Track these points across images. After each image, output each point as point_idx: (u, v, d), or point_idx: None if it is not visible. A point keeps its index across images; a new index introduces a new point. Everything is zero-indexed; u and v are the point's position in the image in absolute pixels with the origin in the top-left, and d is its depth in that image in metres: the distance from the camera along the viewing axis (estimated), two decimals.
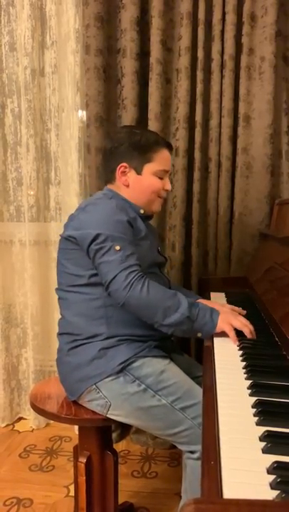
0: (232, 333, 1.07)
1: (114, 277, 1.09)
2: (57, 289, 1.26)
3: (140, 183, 1.27)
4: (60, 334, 1.24)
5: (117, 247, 1.11)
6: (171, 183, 1.82)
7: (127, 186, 1.27)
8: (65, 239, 1.19)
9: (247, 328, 1.08)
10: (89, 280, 1.16)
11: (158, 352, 1.17)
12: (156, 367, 1.13)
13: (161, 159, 1.28)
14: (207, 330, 1.09)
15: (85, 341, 1.16)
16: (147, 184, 1.27)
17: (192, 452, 1.07)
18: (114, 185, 1.29)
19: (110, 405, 1.12)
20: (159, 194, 1.30)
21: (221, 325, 1.09)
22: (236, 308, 1.24)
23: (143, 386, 1.10)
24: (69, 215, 1.24)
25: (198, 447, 1.04)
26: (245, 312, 1.24)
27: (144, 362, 1.13)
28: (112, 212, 1.16)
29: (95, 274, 1.15)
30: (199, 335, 1.11)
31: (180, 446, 1.10)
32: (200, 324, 1.09)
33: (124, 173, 1.27)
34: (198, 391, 1.09)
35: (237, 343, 1.05)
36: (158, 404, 1.09)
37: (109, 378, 1.12)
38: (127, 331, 1.16)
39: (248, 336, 1.07)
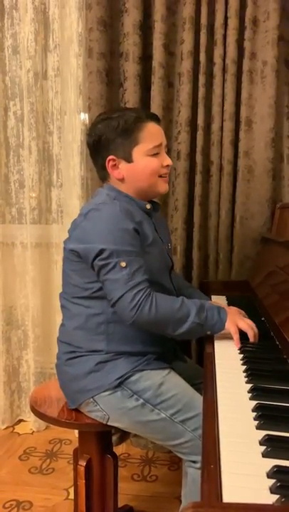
0: (236, 336, 1.05)
1: (120, 297, 1.04)
2: (61, 296, 1.22)
3: (134, 171, 1.15)
4: (60, 341, 1.22)
5: (123, 264, 1.04)
6: (173, 186, 1.83)
7: (123, 179, 1.16)
8: (69, 251, 1.13)
9: (252, 330, 1.07)
10: (93, 294, 1.12)
11: (157, 364, 1.13)
12: (155, 380, 1.09)
13: (149, 135, 1.14)
14: (217, 329, 1.09)
15: (84, 354, 1.14)
16: (142, 168, 1.14)
17: (194, 462, 1.05)
18: (111, 182, 1.19)
19: (109, 418, 1.11)
20: (160, 173, 1.17)
21: (228, 325, 1.08)
22: (241, 311, 1.21)
23: (141, 401, 1.07)
24: (72, 221, 1.17)
25: (200, 457, 1.02)
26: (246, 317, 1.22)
27: (142, 375, 1.10)
28: (117, 220, 1.07)
29: (101, 288, 1.10)
30: (209, 333, 1.10)
31: (181, 456, 1.09)
32: (210, 325, 1.08)
33: (114, 166, 1.16)
34: (198, 401, 1.05)
35: (239, 345, 1.04)
36: (157, 419, 1.06)
37: (107, 392, 1.09)
38: (127, 347, 1.13)
39: (251, 339, 1.07)
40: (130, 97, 1.76)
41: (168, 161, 1.18)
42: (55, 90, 1.96)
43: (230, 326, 1.07)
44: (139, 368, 1.10)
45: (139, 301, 1.03)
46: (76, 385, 1.13)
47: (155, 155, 1.16)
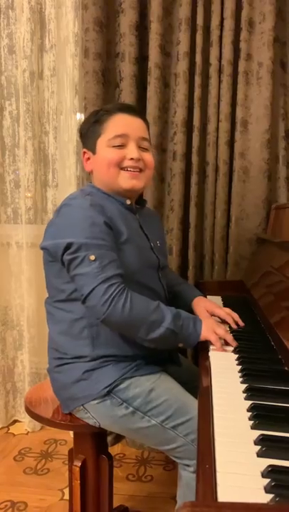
0: (218, 344, 1.02)
1: (91, 291, 0.98)
2: (45, 301, 1.18)
3: (97, 163, 1.12)
4: (48, 346, 1.18)
5: (92, 257, 0.98)
6: (169, 187, 1.83)
7: (91, 173, 1.16)
8: (42, 250, 1.09)
9: (229, 336, 1.04)
10: (71, 295, 1.07)
11: (147, 369, 1.09)
12: (145, 386, 1.05)
13: (113, 126, 1.10)
14: (191, 341, 1.05)
15: (70, 361, 1.10)
16: (101, 159, 1.11)
17: (187, 465, 1.04)
18: (92, 176, 1.19)
19: (100, 425, 1.09)
20: (121, 165, 1.10)
21: (206, 334, 1.04)
22: (234, 314, 1.19)
23: (131, 409, 1.04)
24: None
25: (193, 462, 1.01)
26: (242, 324, 1.18)
27: (132, 382, 1.06)
28: (86, 214, 1.02)
29: (76, 289, 1.04)
30: (181, 345, 1.06)
31: (175, 459, 1.07)
32: (184, 336, 1.04)
33: (88, 159, 1.16)
34: (191, 406, 1.03)
35: (223, 352, 1.02)
36: (148, 426, 1.03)
37: (96, 401, 1.06)
38: (114, 351, 1.07)
39: (231, 344, 1.03)
40: (126, 97, 1.76)
41: (132, 153, 1.10)
42: (51, 90, 1.96)
43: (209, 335, 1.04)
44: (128, 375, 1.06)
45: (111, 295, 0.97)
46: (66, 392, 1.11)
47: (119, 147, 1.10)
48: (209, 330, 1.05)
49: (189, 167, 1.81)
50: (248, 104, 1.80)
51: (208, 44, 1.78)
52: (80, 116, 1.88)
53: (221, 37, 1.75)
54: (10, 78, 1.98)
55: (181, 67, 1.75)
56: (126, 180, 1.11)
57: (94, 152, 1.14)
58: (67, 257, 1.01)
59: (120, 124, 1.11)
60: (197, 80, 1.76)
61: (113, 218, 1.07)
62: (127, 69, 1.76)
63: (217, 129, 1.79)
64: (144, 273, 1.13)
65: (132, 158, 1.10)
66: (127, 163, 1.10)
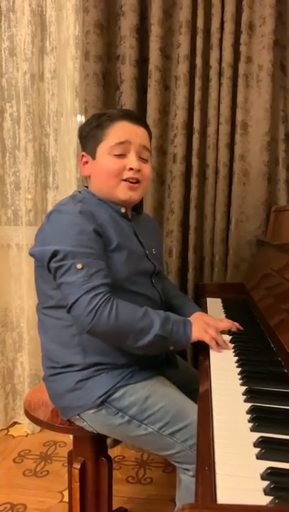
0: (213, 343, 1.02)
1: (75, 301, 0.96)
2: (36, 307, 1.17)
3: (96, 169, 1.10)
4: (42, 355, 1.17)
5: (79, 266, 0.96)
6: (169, 189, 1.84)
7: (89, 177, 1.14)
8: (31, 255, 1.08)
9: (219, 337, 1.03)
10: (58, 302, 1.05)
11: (142, 375, 1.07)
12: (140, 393, 1.03)
13: (115, 132, 1.08)
14: (181, 344, 1.03)
15: (62, 370, 1.08)
16: (100, 167, 1.09)
17: (187, 469, 1.03)
18: (88, 180, 1.17)
19: (98, 432, 1.09)
20: (121, 176, 1.08)
21: (197, 335, 1.03)
22: (236, 324, 1.17)
23: (127, 417, 1.02)
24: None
25: (193, 466, 1.00)
26: (242, 329, 1.17)
27: (126, 390, 1.04)
28: (74, 222, 1.00)
29: None
30: (172, 348, 1.04)
31: (175, 464, 1.07)
32: (174, 340, 1.02)
33: (86, 163, 1.13)
34: (188, 410, 1.01)
35: (219, 352, 1.01)
36: (145, 433, 1.02)
37: (91, 411, 1.04)
38: (107, 359, 1.05)
39: (215, 349, 1.02)
40: (126, 99, 1.77)
41: (132, 163, 1.08)
42: (51, 92, 1.97)
43: (201, 335, 1.03)
44: (122, 383, 1.04)
45: (96, 305, 0.94)
46: (61, 402, 1.10)
47: (120, 156, 1.08)
48: (201, 330, 1.03)
49: (189, 169, 1.81)
50: (248, 106, 1.80)
51: (208, 47, 1.78)
52: (81, 119, 1.88)
53: (221, 40, 1.76)
54: (11, 80, 1.99)
55: (181, 69, 1.76)
56: (124, 192, 1.10)
57: (93, 157, 1.11)
58: (53, 265, 0.99)
59: (123, 131, 1.08)
60: (197, 82, 1.76)
61: (103, 225, 1.04)
62: (127, 71, 1.76)
63: (217, 131, 1.80)
64: (136, 280, 1.10)
65: (131, 169, 1.08)
66: (126, 174, 1.09)
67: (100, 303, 0.95)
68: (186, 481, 1.04)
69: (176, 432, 1.00)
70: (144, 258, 1.15)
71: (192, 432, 0.98)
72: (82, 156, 1.15)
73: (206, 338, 1.03)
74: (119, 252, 1.06)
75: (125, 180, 1.09)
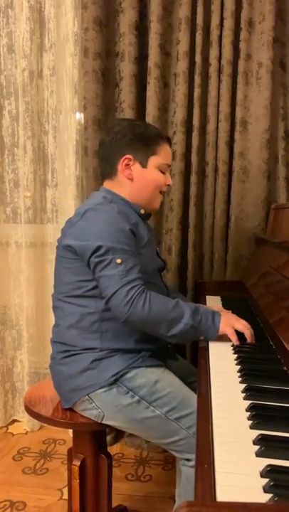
0: (234, 338, 1.07)
1: (114, 293, 1.05)
2: (53, 297, 1.22)
3: (145, 177, 1.21)
4: (53, 341, 1.21)
5: (118, 260, 1.06)
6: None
7: (131, 180, 1.21)
8: (64, 247, 1.15)
9: (248, 330, 1.09)
10: (87, 292, 1.13)
11: (152, 361, 1.14)
12: (150, 377, 1.10)
13: (165, 153, 1.24)
14: (210, 334, 1.08)
15: (78, 352, 1.14)
16: (152, 178, 1.22)
17: (188, 460, 1.06)
18: (114, 181, 1.23)
19: (104, 416, 1.11)
20: (161, 189, 1.25)
21: (223, 328, 1.08)
22: (251, 330, 1.16)
23: (137, 397, 1.08)
24: (67, 220, 1.19)
25: (194, 456, 1.01)
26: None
27: (138, 372, 1.10)
28: (114, 221, 1.11)
29: (95, 287, 1.11)
30: (202, 338, 1.10)
31: (175, 454, 1.09)
32: (203, 330, 1.08)
33: (128, 166, 1.20)
34: (193, 399, 1.06)
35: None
36: (152, 416, 1.07)
37: (102, 390, 1.09)
38: (121, 345, 1.13)
39: (249, 339, 1.08)
40: (126, 96, 1.76)
41: (170, 181, 1.27)
42: (50, 89, 1.96)
43: (226, 329, 1.08)
44: (135, 365, 1.11)
45: (132, 297, 1.04)
46: (71, 383, 1.13)
47: (163, 172, 1.24)
48: (227, 324, 1.09)
49: (189, 167, 1.81)
50: (247, 104, 1.80)
51: (207, 44, 1.77)
52: (80, 116, 1.87)
53: (220, 37, 1.75)
54: (9, 77, 1.98)
55: (180, 66, 1.75)
56: (158, 202, 1.27)
57: (144, 165, 1.21)
58: (94, 260, 1.07)
59: (168, 155, 1.26)
60: (197, 79, 1.76)
61: (137, 224, 1.17)
62: (126, 68, 1.76)
63: (217, 129, 1.79)
64: (154, 275, 1.24)
65: (168, 185, 1.27)
66: (164, 188, 1.26)
67: (135, 295, 1.04)
68: (187, 472, 1.06)
69: (182, 418, 1.06)
70: (156, 255, 1.29)
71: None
72: (127, 158, 1.20)
73: (229, 332, 1.08)
74: (147, 249, 1.19)
75: (161, 192, 1.26)
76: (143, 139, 1.20)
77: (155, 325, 1.07)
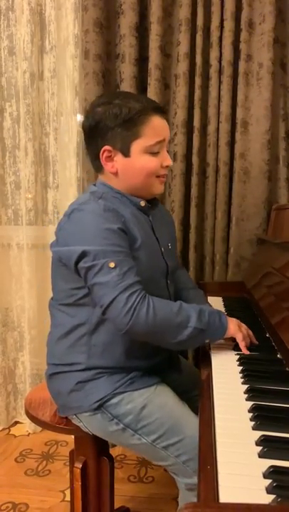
0: (243, 343, 1.01)
1: (111, 302, 0.92)
2: (50, 302, 1.14)
3: (131, 167, 1.04)
4: (47, 347, 1.15)
5: (112, 264, 0.93)
6: (169, 188, 1.83)
7: (116, 174, 1.05)
8: (52, 253, 1.06)
9: (246, 341, 1.03)
10: (78, 300, 1.03)
11: (141, 383, 1.04)
12: (137, 402, 1.01)
13: (152, 130, 1.02)
14: (217, 335, 1.02)
15: (64, 369, 1.07)
16: (140, 166, 1.03)
17: (183, 481, 1.01)
18: (104, 174, 1.08)
19: (93, 434, 1.08)
20: (158, 173, 1.06)
21: (232, 330, 1.02)
22: (250, 333, 1.11)
23: (122, 425, 1.00)
24: (59, 221, 1.07)
25: (186, 480, 0.99)
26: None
27: (123, 398, 1.01)
28: (99, 220, 0.96)
29: (86, 295, 1.01)
30: (207, 341, 1.03)
31: (170, 474, 1.05)
32: (211, 331, 1.00)
33: (109, 158, 1.04)
34: (184, 425, 0.98)
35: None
36: (139, 443, 1.00)
37: (87, 414, 1.04)
38: (109, 362, 1.03)
39: (243, 349, 1.02)
40: None
41: (168, 161, 1.07)
42: (51, 92, 1.96)
43: (236, 333, 1.02)
44: (120, 389, 1.02)
45: (133, 304, 0.92)
46: (60, 400, 1.10)
47: (155, 154, 1.05)
48: (236, 326, 1.03)
49: (190, 168, 1.81)
50: (248, 105, 1.80)
51: (208, 45, 1.78)
52: (81, 118, 1.88)
53: (221, 38, 1.75)
54: (10, 80, 1.99)
55: (181, 68, 1.75)
56: (158, 187, 1.09)
57: (126, 154, 1.03)
58: (83, 266, 0.95)
59: (159, 128, 1.04)
60: (197, 81, 1.76)
61: (128, 223, 1.02)
62: (127, 70, 1.76)
63: (217, 130, 1.79)
64: (153, 281, 1.07)
65: (167, 166, 1.07)
66: (162, 171, 1.07)
67: (136, 301, 0.92)
68: (183, 492, 1.03)
69: (170, 446, 0.98)
70: (160, 256, 1.12)
71: (186, 447, 0.97)
72: (106, 151, 1.04)
73: (239, 337, 1.02)
74: (142, 251, 1.04)
75: (158, 176, 1.08)
76: (121, 123, 1.00)
77: (161, 333, 0.96)
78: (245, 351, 1.01)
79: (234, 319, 1.07)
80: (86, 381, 1.04)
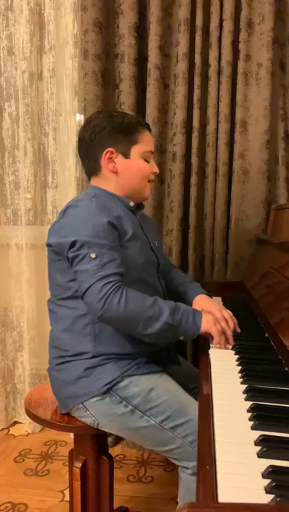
0: (217, 339, 1.04)
1: (88, 288, 1.01)
2: (48, 301, 1.20)
3: (130, 167, 1.18)
4: (50, 346, 1.20)
5: (93, 255, 1.02)
6: (168, 187, 1.84)
7: (116, 173, 1.18)
8: (47, 247, 1.14)
9: (228, 331, 1.07)
10: (76, 293, 1.09)
11: (147, 368, 1.10)
12: (145, 385, 1.06)
13: (146, 140, 1.21)
14: (190, 334, 1.06)
15: (71, 359, 1.11)
16: (137, 168, 1.19)
17: (186, 467, 1.04)
18: (100, 177, 1.20)
19: (99, 423, 1.10)
20: (149, 178, 1.22)
21: (206, 327, 1.05)
22: (234, 319, 1.15)
23: (130, 407, 1.05)
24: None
25: (191, 464, 1.01)
26: (238, 330, 1.14)
27: (132, 381, 1.07)
28: (91, 215, 1.07)
29: None
30: (181, 338, 1.07)
31: (173, 461, 1.07)
32: (183, 329, 1.05)
33: (110, 159, 1.17)
34: (190, 407, 1.04)
35: (223, 353, 1.02)
36: (146, 425, 1.04)
37: (95, 399, 1.07)
38: (116, 349, 1.09)
39: (214, 343, 1.05)
40: (126, 98, 1.77)
41: (156, 168, 1.24)
42: (50, 91, 1.96)
43: (210, 328, 1.05)
44: (128, 373, 1.08)
45: (107, 292, 0.99)
46: (66, 390, 1.12)
47: (147, 160, 1.21)
48: (210, 322, 1.06)
49: (189, 168, 1.81)
50: (247, 105, 1.80)
51: (207, 45, 1.78)
52: (80, 118, 1.88)
53: (220, 38, 1.76)
54: (9, 79, 1.98)
55: (180, 68, 1.75)
56: (148, 192, 1.24)
57: (126, 156, 1.18)
58: (70, 254, 1.05)
59: (150, 141, 1.23)
60: (196, 81, 1.76)
61: (120, 217, 1.12)
62: (126, 70, 1.76)
63: (216, 129, 1.80)
64: (147, 270, 1.18)
65: (155, 173, 1.24)
66: (151, 176, 1.23)
67: (110, 290, 1.00)
68: (186, 479, 1.04)
69: (177, 427, 1.02)
70: (150, 250, 1.22)
71: (193, 428, 1.00)
72: (109, 152, 1.17)
73: (213, 331, 1.05)
74: (134, 241, 1.13)
75: (149, 181, 1.23)
76: (123, 130, 1.17)
77: (132, 323, 1.02)
78: (220, 345, 1.04)
79: (212, 313, 1.10)
80: (94, 367, 1.08)
